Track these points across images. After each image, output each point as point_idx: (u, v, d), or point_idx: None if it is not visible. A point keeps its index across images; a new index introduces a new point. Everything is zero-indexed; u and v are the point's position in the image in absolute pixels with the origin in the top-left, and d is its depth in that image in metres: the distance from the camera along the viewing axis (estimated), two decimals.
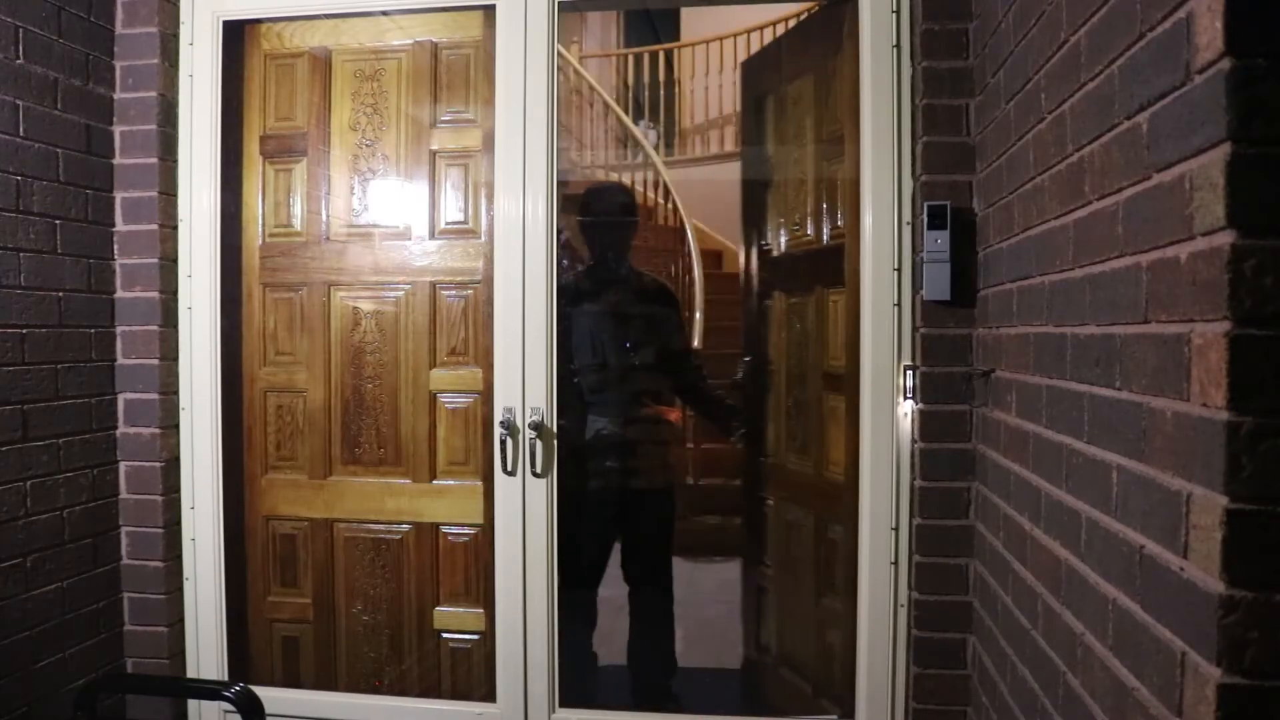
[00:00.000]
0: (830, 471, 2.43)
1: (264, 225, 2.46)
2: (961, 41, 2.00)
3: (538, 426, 2.23)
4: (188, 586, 2.38)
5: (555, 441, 2.26)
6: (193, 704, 2.40)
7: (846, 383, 2.27)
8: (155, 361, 2.31)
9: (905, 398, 2.08)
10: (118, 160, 2.31)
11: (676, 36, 8.20)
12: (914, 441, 2.06)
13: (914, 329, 2.06)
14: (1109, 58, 1.16)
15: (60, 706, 2.11)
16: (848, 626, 2.22)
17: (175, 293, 2.36)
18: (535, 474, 2.25)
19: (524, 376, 2.25)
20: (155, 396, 2.31)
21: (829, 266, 2.39)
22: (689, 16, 8.39)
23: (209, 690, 2.22)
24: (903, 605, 2.09)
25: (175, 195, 2.36)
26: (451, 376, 2.37)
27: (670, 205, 6.46)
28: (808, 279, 2.59)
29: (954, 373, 2.02)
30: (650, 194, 6.56)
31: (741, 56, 7.31)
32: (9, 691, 2.00)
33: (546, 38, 2.24)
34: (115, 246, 2.31)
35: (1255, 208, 0.84)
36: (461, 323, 2.37)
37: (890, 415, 2.10)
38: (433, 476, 2.39)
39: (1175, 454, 0.96)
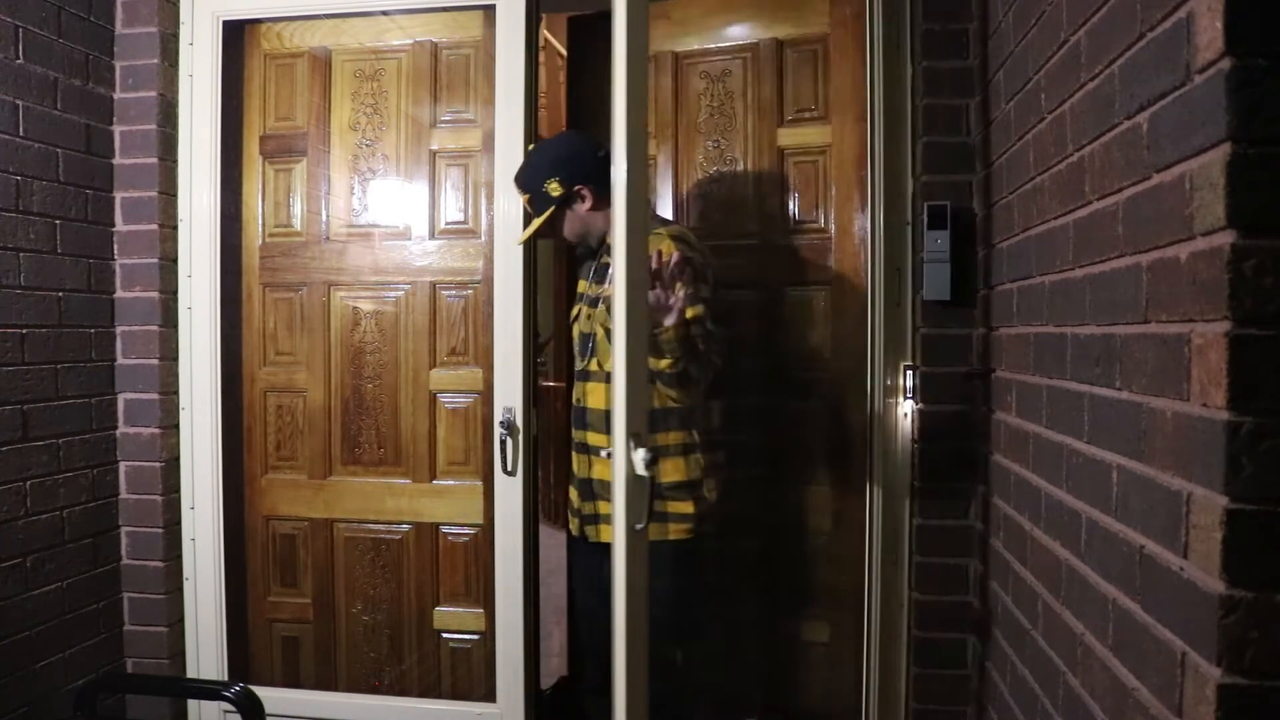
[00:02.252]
0: (834, 472, 2.42)
1: (264, 225, 2.46)
2: (961, 41, 2.00)
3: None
4: (188, 586, 2.38)
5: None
6: (193, 704, 2.40)
7: (848, 383, 2.27)
8: (155, 361, 2.31)
9: (905, 398, 2.08)
10: (118, 160, 2.31)
11: None
12: (914, 441, 2.06)
13: (914, 329, 2.06)
14: (1109, 58, 1.16)
15: (60, 706, 2.11)
16: (854, 628, 2.21)
17: (175, 293, 2.36)
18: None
19: (524, 376, 2.25)
20: (155, 396, 2.31)
21: (820, 265, 2.38)
22: None
23: (209, 690, 2.22)
24: (902, 605, 2.09)
25: (175, 195, 2.36)
26: (451, 376, 2.37)
27: None
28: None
29: (954, 373, 2.01)
30: None
31: None
32: (9, 691, 2.00)
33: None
34: (115, 246, 2.31)
35: (1255, 208, 0.84)
36: (461, 323, 2.37)
37: (891, 415, 2.09)
38: (433, 476, 2.39)
39: (1175, 454, 0.96)
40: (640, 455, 1.42)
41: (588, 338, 2.03)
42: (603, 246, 2.04)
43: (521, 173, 2.05)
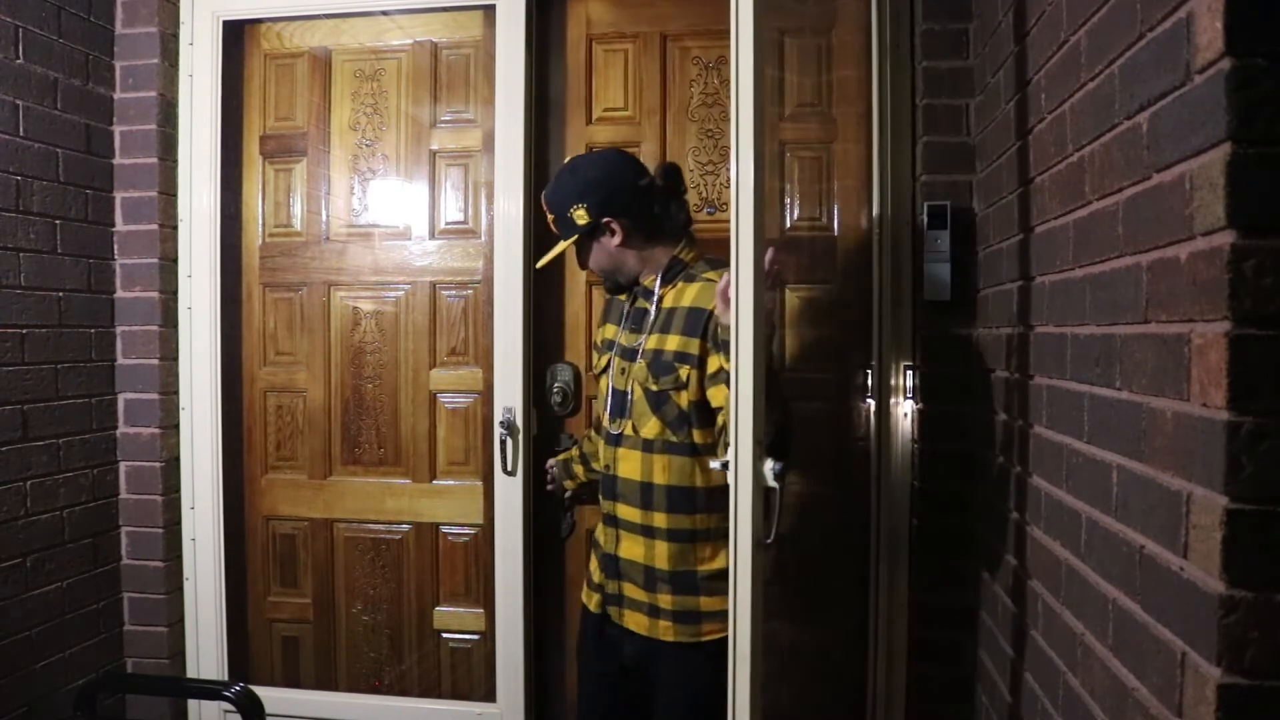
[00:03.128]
0: (834, 473, 2.42)
1: (264, 225, 2.46)
2: (962, 41, 2.00)
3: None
4: (188, 586, 2.38)
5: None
6: (193, 704, 2.40)
7: (848, 382, 2.27)
8: (155, 361, 2.31)
9: (905, 398, 2.08)
10: (118, 160, 2.31)
11: None
12: (914, 441, 2.06)
13: (914, 329, 2.06)
14: (1109, 58, 1.16)
15: (60, 706, 2.11)
16: (855, 629, 2.21)
17: (175, 293, 2.36)
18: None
19: (524, 376, 2.25)
20: (155, 396, 2.31)
21: (822, 263, 2.37)
22: None
23: (209, 690, 2.22)
24: (903, 605, 2.09)
25: (175, 195, 2.36)
26: (451, 376, 2.37)
27: None
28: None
29: (954, 373, 2.01)
30: None
31: None
32: (9, 691, 2.00)
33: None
34: (115, 246, 2.31)
35: (1255, 208, 0.84)
36: (461, 323, 2.37)
37: (892, 415, 2.09)
38: (433, 476, 2.39)
39: (1175, 454, 0.96)
40: (769, 465, 1.33)
41: (622, 396, 1.75)
42: (636, 287, 1.77)
43: (549, 190, 1.78)
